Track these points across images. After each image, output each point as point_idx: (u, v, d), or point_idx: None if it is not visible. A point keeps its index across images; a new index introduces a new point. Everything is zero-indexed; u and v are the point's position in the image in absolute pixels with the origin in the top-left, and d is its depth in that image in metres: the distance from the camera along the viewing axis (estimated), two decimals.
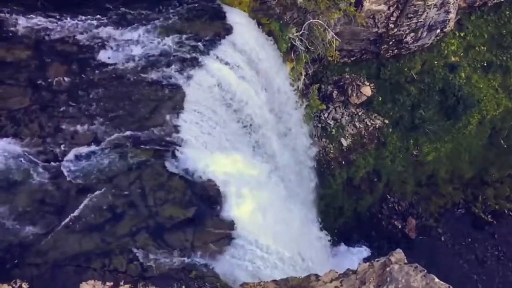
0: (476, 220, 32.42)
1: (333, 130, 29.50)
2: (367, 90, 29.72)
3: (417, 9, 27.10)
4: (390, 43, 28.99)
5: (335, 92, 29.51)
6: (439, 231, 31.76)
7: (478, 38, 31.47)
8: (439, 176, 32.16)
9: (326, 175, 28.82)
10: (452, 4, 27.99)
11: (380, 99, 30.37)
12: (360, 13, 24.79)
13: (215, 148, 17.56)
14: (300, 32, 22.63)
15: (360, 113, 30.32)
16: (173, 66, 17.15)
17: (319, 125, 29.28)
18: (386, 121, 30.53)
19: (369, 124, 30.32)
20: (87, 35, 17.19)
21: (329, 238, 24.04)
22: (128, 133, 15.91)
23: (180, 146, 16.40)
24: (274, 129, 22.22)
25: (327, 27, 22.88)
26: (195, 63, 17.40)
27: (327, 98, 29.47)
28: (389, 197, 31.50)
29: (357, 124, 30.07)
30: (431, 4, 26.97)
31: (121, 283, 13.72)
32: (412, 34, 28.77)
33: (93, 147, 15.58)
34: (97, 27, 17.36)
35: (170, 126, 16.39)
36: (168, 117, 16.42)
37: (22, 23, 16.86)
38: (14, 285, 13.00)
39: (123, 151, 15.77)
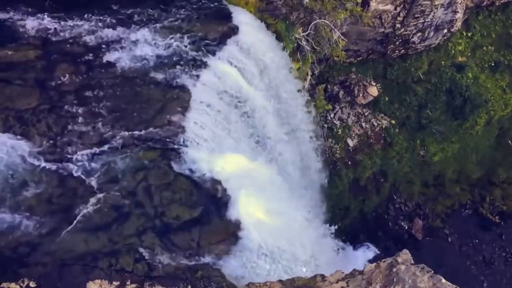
0: (483, 221, 32.23)
1: (339, 131, 29.45)
2: (373, 90, 29.65)
3: (424, 9, 27.00)
4: (397, 43, 28.90)
5: (341, 92, 29.45)
6: (446, 232, 31.60)
7: (485, 38, 31.29)
8: (446, 176, 32.00)
9: (332, 175, 28.78)
10: (460, 4, 27.86)
11: (387, 99, 30.28)
12: (366, 13, 24.73)
13: (221, 148, 17.58)
14: (307, 32, 22.62)
15: (366, 113, 30.25)
16: (179, 67, 17.19)
17: (325, 125, 29.24)
18: (393, 121, 30.43)
19: (376, 124, 30.24)
20: (94, 35, 17.27)
21: (335, 238, 23.98)
22: (134, 133, 15.97)
23: (186, 146, 16.45)
24: (280, 129, 22.21)
25: (333, 27, 22.85)
26: (201, 63, 17.44)
27: (333, 98, 29.42)
28: (395, 197, 31.39)
29: (363, 124, 30.00)
30: (438, 4, 26.86)
31: (128, 282, 13.77)
32: (419, 34, 28.67)
33: (100, 147, 15.65)
34: (104, 27, 17.44)
35: (177, 126, 16.44)
36: (174, 117, 16.47)
37: (30, 23, 16.97)
38: (21, 284, 13.08)
39: (130, 151, 15.84)
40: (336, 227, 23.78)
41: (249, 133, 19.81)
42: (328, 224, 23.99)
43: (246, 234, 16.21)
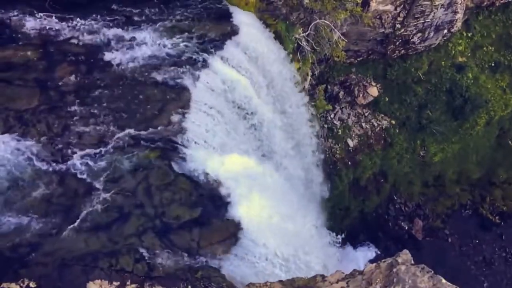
0: (483, 221, 32.27)
1: (340, 131, 29.45)
2: (373, 91, 29.65)
3: (424, 9, 27.00)
4: (397, 43, 28.90)
5: (342, 92, 29.46)
6: (446, 232, 31.63)
7: (485, 38, 31.31)
8: (446, 177, 32.02)
9: (332, 175, 28.79)
10: (460, 4, 27.86)
11: (387, 99, 30.29)
12: (366, 13, 24.74)
13: (221, 148, 17.58)
14: (307, 33, 22.63)
15: (366, 114, 30.25)
16: (179, 67, 17.19)
17: (326, 125, 29.25)
18: (393, 122, 30.44)
19: (376, 124, 30.24)
20: (94, 35, 17.27)
21: (335, 238, 24.02)
22: (135, 133, 15.97)
23: (186, 146, 16.45)
24: (280, 129, 22.22)
25: (333, 28, 22.85)
26: (201, 63, 17.43)
27: (334, 99, 29.43)
28: (395, 198, 31.40)
29: (363, 124, 30.01)
30: (438, 4, 26.86)
31: (128, 282, 13.77)
32: (419, 35, 28.67)
33: (100, 148, 15.66)
34: (104, 28, 17.44)
35: (177, 127, 16.44)
36: (174, 117, 16.46)
37: (30, 24, 16.96)
38: (22, 284, 13.08)
39: (130, 151, 15.84)
40: (343, 235, 23.90)
41: (250, 133, 19.82)
42: (329, 225, 24.06)
43: (246, 235, 16.19)
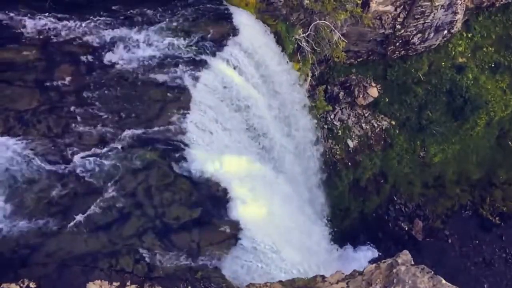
0: (483, 222, 32.24)
1: (340, 131, 29.46)
2: (373, 91, 29.66)
3: (424, 10, 27.02)
4: (397, 44, 28.91)
5: (342, 93, 29.47)
6: (446, 233, 31.59)
7: (485, 39, 31.33)
8: (446, 177, 32.00)
9: (332, 176, 28.80)
10: (460, 5, 27.88)
11: (387, 100, 30.30)
12: (366, 14, 24.75)
13: (221, 149, 17.58)
14: (307, 33, 22.65)
15: (366, 114, 30.26)
16: (180, 67, 17.20)
17: (326, 126, 29.26)
18: (393, 122, 30.45)
19: (376, 125, 30.25)
20: (94, 36, 17.28)
21: (335, 239, 24.06)
22: (135, 134, 15.97)
23: (186, 147, 16.44)
24: (280, 130, 22.23)
25: (333, 28, 22.87)
26: (201, 64, 17.44)
27: (334, 99, 29.45)
28: (395, 198, 31.38)
29: (363, 125, 30.02)
30: (438, 5, 26.88)
31: (128, 283, 13.76)
32: (419, 35, 28.69)
33: (101, 148, 15.66)
34: (104, 28, 17.45)
35: (177, 127, 16.44)
36: (174, 118, 16.47)
37: (30, 24, 16.98)
38: (21, 284, 13.07)
39: (130, 152, 15.84)
40: (337, 228, 23.92)
41: (249, 133, 19.83)
42: (329, 225, 24.06)
43: (246, 235, 16.18)
